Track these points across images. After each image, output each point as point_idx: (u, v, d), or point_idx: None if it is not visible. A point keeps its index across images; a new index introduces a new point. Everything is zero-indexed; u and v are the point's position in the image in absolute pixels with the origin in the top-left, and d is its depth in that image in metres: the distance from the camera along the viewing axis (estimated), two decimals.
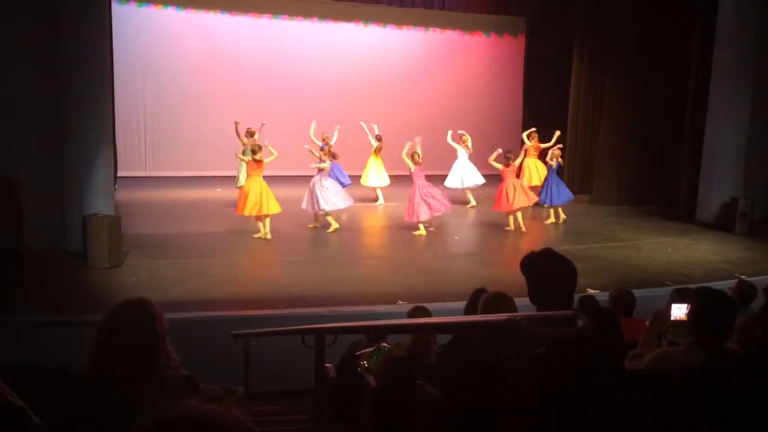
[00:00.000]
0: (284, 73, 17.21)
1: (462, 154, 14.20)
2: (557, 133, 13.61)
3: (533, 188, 13.26)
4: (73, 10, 9.57)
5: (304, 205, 11.57)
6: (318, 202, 11.39)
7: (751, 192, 13.01)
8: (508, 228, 12.17)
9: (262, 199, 10.75)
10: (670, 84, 14.69)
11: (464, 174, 14.21)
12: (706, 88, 13.26)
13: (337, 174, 13.02)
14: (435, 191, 11.67)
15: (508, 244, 12.22)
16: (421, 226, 11.65)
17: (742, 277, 8.27)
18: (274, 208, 10.91)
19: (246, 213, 10.86)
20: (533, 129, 14.62)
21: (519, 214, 12.15)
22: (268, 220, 10.95)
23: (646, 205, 14.77)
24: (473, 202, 14.18)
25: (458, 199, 13.94)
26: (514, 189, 11.90)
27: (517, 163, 12.31)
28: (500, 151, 12.02)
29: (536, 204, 12.78)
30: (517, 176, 12.65)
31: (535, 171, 14.27)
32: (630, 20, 14.78)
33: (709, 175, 13.26)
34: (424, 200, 11.46)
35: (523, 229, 12.09)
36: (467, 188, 14.26)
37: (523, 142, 14.31)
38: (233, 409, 1.38)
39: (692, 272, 10.01)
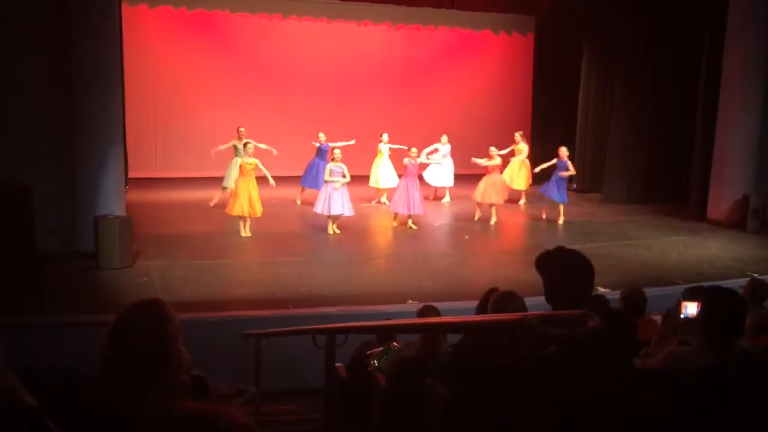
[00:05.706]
0: (293, 73, 17.22)
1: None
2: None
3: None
4: (84, 12, 9.62)
5: (341, 211, 11.44)
6: (342, 207, 11.37)
7: (762, 190, 12.92)
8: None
9: (252, 201, 10.98)
10: (681, 82, 14.62)
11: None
12: (717, 86, 13.17)
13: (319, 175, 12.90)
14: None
15: (519, 243, 12.20)
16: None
17: (754, 275, 8.21)
18: (258, 212, 11.11)
19: (234, 213, 11.06)
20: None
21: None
22: (248, 221, 11.13)
23: (657, 203, 14.70)
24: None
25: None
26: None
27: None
28: None
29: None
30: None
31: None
32: (640, 18, 14.71)
33: (720, 172, 13.18)
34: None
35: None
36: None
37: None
38: (241, 411, 1.39)
39: (704, 271, 9.97)
